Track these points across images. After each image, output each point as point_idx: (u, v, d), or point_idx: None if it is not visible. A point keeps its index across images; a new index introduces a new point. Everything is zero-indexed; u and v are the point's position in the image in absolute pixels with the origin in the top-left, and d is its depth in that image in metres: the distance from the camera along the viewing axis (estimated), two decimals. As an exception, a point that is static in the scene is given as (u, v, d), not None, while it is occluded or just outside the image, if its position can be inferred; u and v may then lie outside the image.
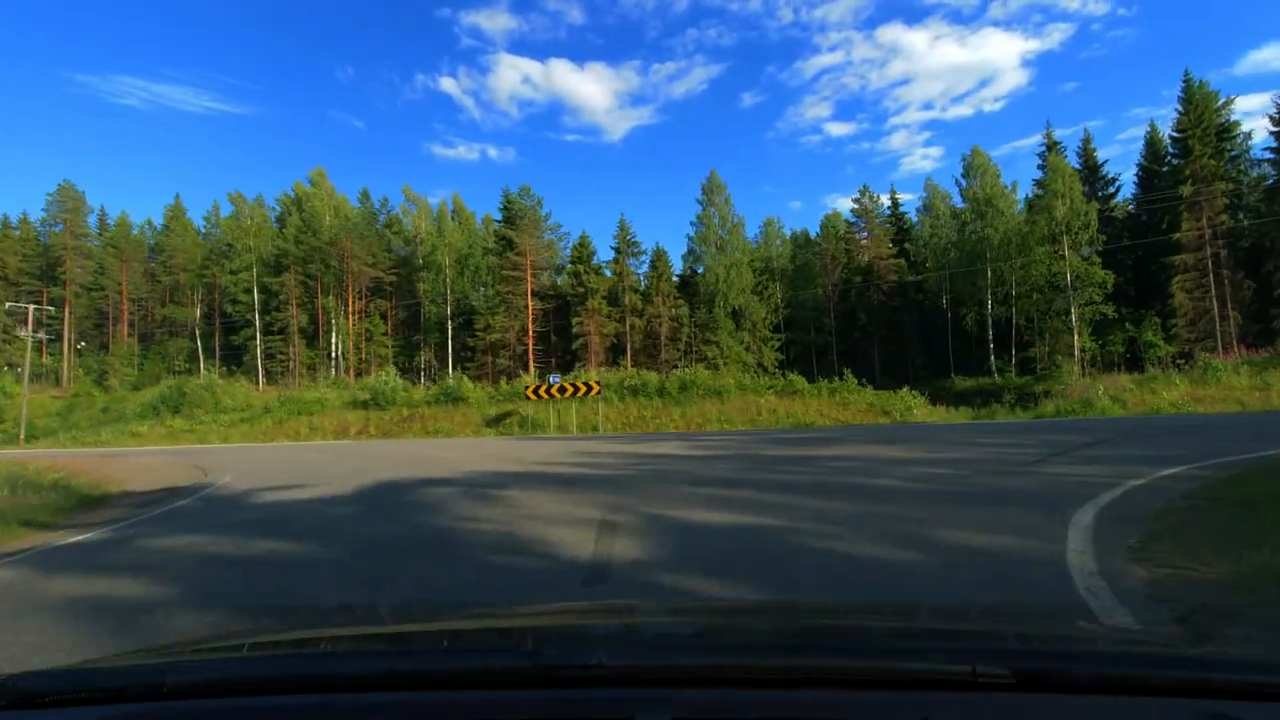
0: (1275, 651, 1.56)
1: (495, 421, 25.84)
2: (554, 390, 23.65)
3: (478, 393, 28.32)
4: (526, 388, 24.66)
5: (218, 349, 54.72)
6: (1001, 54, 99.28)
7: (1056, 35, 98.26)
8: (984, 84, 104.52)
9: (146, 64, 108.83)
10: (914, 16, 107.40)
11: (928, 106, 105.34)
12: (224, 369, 53.38)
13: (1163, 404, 19.70)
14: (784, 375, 24.97)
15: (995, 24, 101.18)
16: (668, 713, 0.86)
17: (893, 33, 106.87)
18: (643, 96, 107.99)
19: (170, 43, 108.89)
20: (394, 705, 0.93)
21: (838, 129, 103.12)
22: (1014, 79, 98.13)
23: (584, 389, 23.32)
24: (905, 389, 23.03)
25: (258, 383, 50.34)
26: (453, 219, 59.60)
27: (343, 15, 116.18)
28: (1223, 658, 1.23)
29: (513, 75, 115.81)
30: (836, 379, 24.47)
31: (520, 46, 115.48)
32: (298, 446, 22.42)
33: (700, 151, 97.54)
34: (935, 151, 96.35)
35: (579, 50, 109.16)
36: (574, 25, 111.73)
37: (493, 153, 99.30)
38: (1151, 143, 42.58)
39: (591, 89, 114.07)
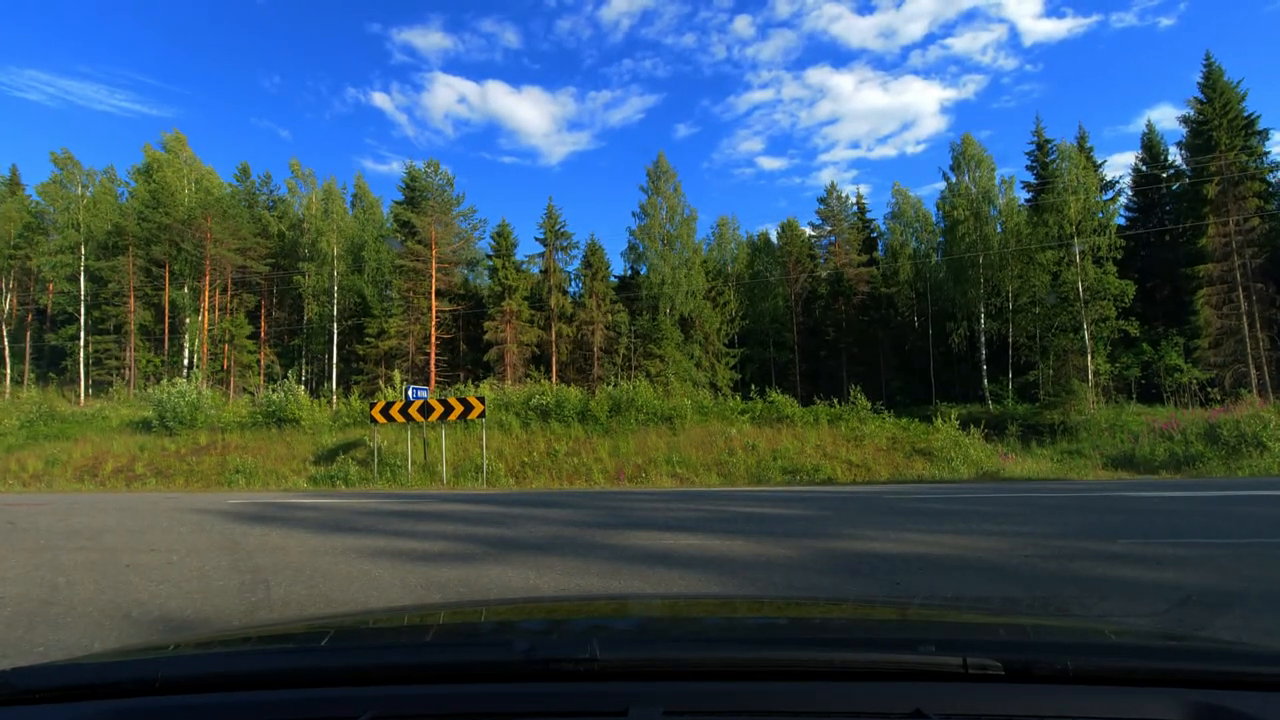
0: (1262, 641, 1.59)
1: (330, 456, 16.99)
2: (414, 411, 15.12)
3: (317, 412, 19.36)
4: (374, 405, 15.99)
5: (28, 350, 42.92)
6: (921, 100, 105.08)
7: (971, 86, 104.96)
8: (906, 127, 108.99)
9: (54, 59, 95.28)
10: (840, 60, 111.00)
11: (854, 145, 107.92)
12: (35, 374, 41.91)
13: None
14: (762, 396, 17.17)
15: (915, 72, 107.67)
16: (661, 705, 0.83)
17: (820, 74, 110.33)
18: (580, 122, 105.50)
19: (81, 39, 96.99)
20: (386, 699, 0.90)
21: (770, 163, 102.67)
22: (933, 124, 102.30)
23: (460, 408, 14.90)
24: (942, 420, 15.60)
25: (79, 394, 39.22)
26: (353, 204, 50.05)
27: (266, 22, 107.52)
28: (1212, 648, 1.19)
29: (448, 94, 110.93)
30: (838, 402, 16.90)
31: (455, 66, 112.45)
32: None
33: (638, 178, 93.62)
34: (864, 189, 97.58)
35: (515, 74, 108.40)
36: (510, 49, 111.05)
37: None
38: (1149, 144, 38.02)
39: (529, 112, 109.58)
